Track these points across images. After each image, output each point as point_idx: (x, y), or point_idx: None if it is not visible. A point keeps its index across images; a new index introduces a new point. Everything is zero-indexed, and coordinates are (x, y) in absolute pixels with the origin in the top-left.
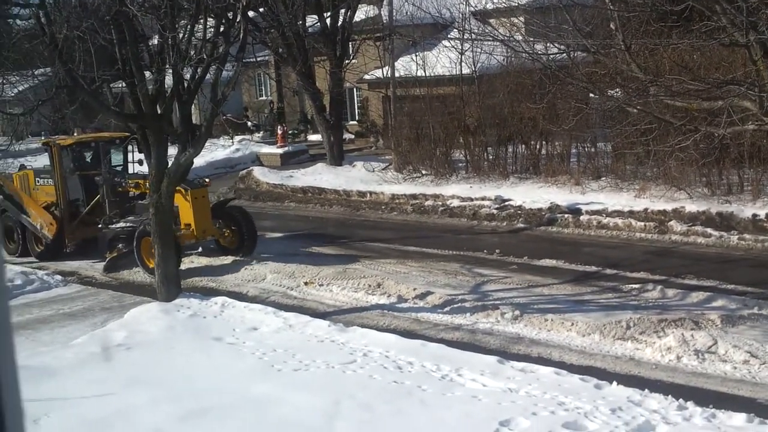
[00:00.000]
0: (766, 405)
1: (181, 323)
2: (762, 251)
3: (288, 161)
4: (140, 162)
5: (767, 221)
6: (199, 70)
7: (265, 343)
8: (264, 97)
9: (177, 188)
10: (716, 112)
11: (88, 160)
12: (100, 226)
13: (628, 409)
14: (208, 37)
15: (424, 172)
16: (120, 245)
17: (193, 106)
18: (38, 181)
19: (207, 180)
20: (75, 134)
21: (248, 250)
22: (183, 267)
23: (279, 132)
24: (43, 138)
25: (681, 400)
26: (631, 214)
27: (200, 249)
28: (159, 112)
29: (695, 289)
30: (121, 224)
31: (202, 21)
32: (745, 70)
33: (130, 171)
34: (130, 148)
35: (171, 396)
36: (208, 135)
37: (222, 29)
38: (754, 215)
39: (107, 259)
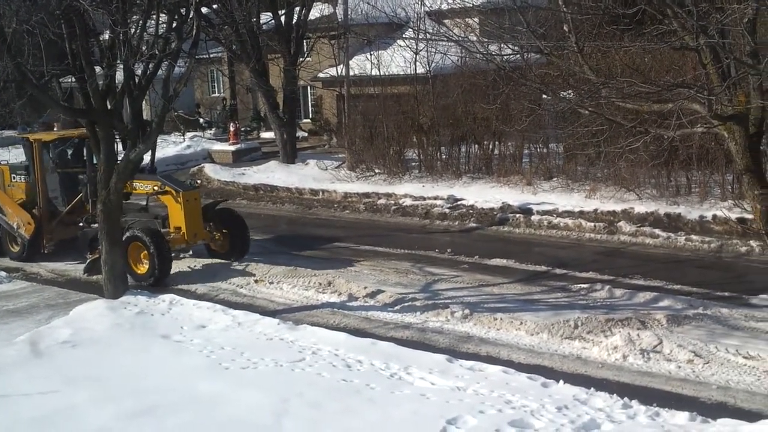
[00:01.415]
0: (708, 404)
1: (128, 321)
2: (708, 252)
3: (240, 158)
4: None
5: (714, 223)
6: (150, 65)
7: (213, 341)
8: (217, 94)
9: (168, 190)
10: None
11: (69, 156)
12: (81, 225)
13: (574, 407)
14: (160, 33)
15: (377, 170)
16: (101, 246)
17: (144, 102)
18: (14, 178)
19: (198, 182)
20: (55, 129)
21: (240, 255)
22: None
23: (231, 129)
24: (18, 132)
25: (626, 398)
26: (582, 214)
27: (191, 252)
28: (109, 107)
29: (642, 289)
30: None
31: (154, 16)
32: (695, 73)
33: None
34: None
35: (116, 394)
36: (159, 131)
37: (174, 25)
38: (701, 217)
39: (88, 261)
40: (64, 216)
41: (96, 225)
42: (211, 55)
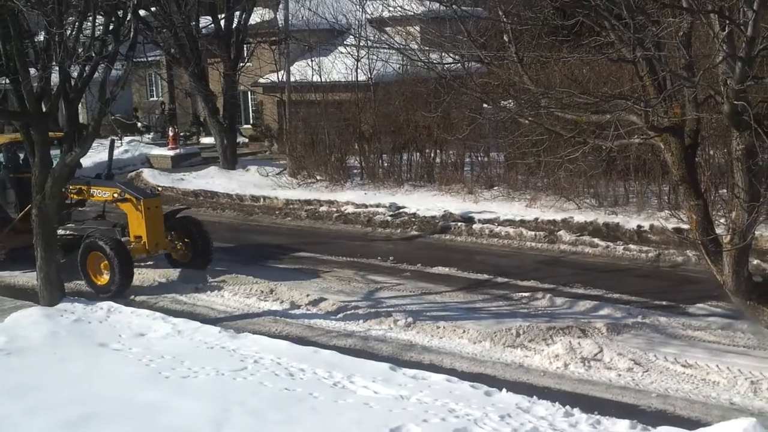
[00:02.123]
0: (648, 412)
1: (65, 328)
2: (646, 262)
3: (179, 164)
4: (78, 165)
5: (651, 233)
6: (87, 68)
7: (152, 350)
8: (155, 98)
9: (128, 197)
10: (604, 125)
11: (21, 161)
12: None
13: (517, 415)
14: (96, 35)
15: (318, 177)
16: (58, 255)
17: (80, 105)
18: None
19: (159, 189)
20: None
21: (202, 265)
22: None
23: (170, 134)
24: None
25: (567, 406)
26: (522, 223)
27: (152, 262)
28: (44, 110)
29: (582, 298)
30: (60, 232)
31: (90, 18)
32: (632, 85)
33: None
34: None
35: (52, 403)
36: (95, 135)
37: (111, 27)
38: (639, 226)
39: None
40: (16, 223)
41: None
42: (150, 59)
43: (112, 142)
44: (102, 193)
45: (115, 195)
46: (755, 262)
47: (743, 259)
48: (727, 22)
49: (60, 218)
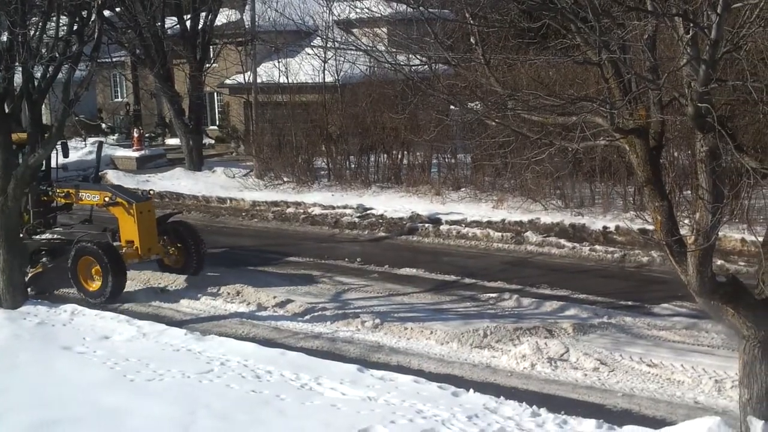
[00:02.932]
0: (614, 411)
1: (28, 331)
2: (611, 262)
3: (144, 165)
4: (64, 168)
5: (617, 234)
6: (50, 69)
7: (117, 353)
8: (120, 99)
9: (119, 201)
10: (570, 127)
11: None
12: (21, 236)
13: (484, 416)
14: (60, 35)
15: (285, 179)
16: (44, 260)
17: (43, 106)
18: None
19: (151, 191)
20: None
21: (196, 270)
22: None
23: (135, 135)
24: None
25: (534, 407)
26: (490, 224)
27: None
28: (7, 111)
29: (549, 299)
30: (47, 236)
31: (54, 18)
32: (598, 87)
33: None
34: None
35: (16, 407)
36: (59, 136)
37: (75, 27)
38: (605, 227)
39: (29, 275)
40: None
41: (37, 237)
42: (114, 59)
43: (100, 144)
44: (91, 197)
45: (106, 198)
46: (719, 262)
47: (707, 259)
48: (691, 25)
49: (46, 222)
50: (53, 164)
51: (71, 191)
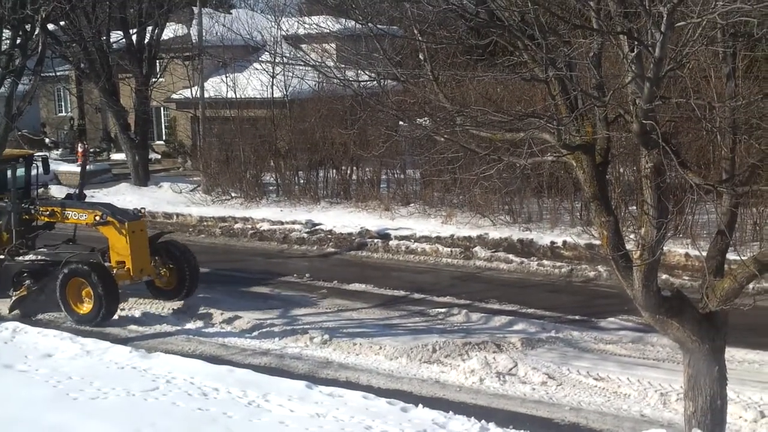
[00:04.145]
0: (562, 425)
1: None
2: (559, 277)
3: (89, 180)
4: (45, 185)
5: (564, 248)
6: None
7: (60, 371)
8: (64, 113)
9: (110, 220)
10: (518, 143)
11: None
12: (2, 257)
13: (433, 431)
14: (3, 49)
15: (233, 194)
16: (28, 282)
17: None
18: None
19: (142, 209)
20: None
21: (188, 293)
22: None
23: (79, 150)
24: None
25: (483, 421)
26: (438, 239)
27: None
28: None
29: (498, 313)
30: (31, 257)
31: None
32: (545, 104)
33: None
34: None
35: None
36: (1, 151)
37: (19, 41)
38: (552, 242)
39: (13, 299)
40: None
41: (20, 258)
42: (58, 73)
43: (85, 160)
44: (79, 216)
45: (97, 217)
46: (664, 276)
47: (652, 274)
48: (636, 43)
49: (28, 243)
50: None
51: (56, 209)
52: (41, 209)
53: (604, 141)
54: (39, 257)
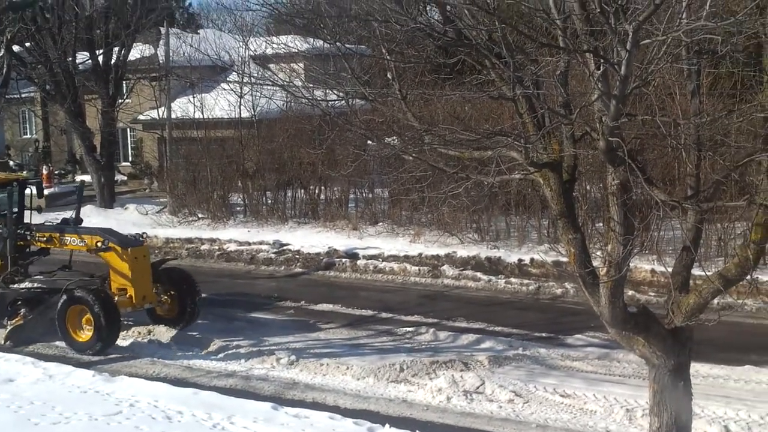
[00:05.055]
0: None
1: None
2: (527, 294)
3: (54, 203)
4: (39, 209)
5: (532, 266)
6: None
7: (21, 396)
8: (29, 135)
9: (111, 245)
10: (486, 161)
11: None
12: None
13: None
14: None
15: (200, 215)
16: (23, 310)
17: None
18: None
19: (144, 234)
20: None
21: (189, 320)
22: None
23: (44, 172)
24: None
25: None
26: (407, 258)
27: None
28: None
29: (465, 332)
30: (26, 284)
31: None
32: (512, 122)
33: (25, 220)
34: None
35: None
36: None
37: None
38: (520, 260)
39: (9, 328)
40: None
41: (15, 286)
42: (23, 95)
43: (82, 184)
44: (78, 242)
45: (98, 243)
46: (630, 293)
47: (619, 290)
48: (602, 61)
49: (22, 270)
50: (27, 205)
51: (54, 235)
52: (38, 235)
53: (571, 158)
54: (35, 284)
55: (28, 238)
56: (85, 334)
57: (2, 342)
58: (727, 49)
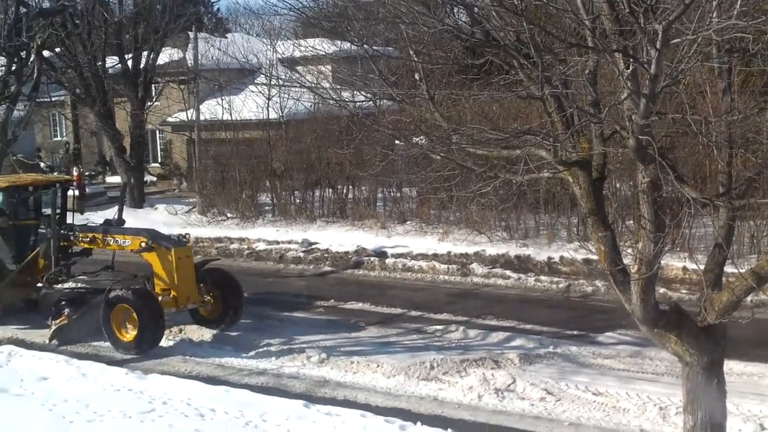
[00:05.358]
0: None
1: None
2: (557, 292)
3: (85, 203)
4: (81, 210)
5: (561, 264)
6: None
7: (55, 394)
8: (59, 138)
9: (155, 245)
10: (514, 160)
11: (22, 206)
12: (39, 285)
13: None
14: None
15: (229, 215)
16: (67, 310)
17: None
18: None
19: (187, 235)
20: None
21: (232, 321)
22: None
23: (75, 173)
24: None
25: None
26: (435, 257)
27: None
28: None
29: (495, 330)
30: (70, 284)
31: None
32: (541, 121)
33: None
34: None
35: None
36: None
37: (14, 68)
38: (549, 258)
39: (53, 328)
40: (15, 276)
41: (58, 286)
42: (54, 99)
43: (125, 186)
44: (123, 242)
45: (142, 244)
46: (661, 290)
47: (650, 288)
48: (631, 60)
49: (66, 270)
50: (69, 205)
51: (97, 236)
52: (81, 235)
53: (601, 157)
54: (79, 285)
55: (71, 238)
56: (130, 334)
57: (47, 342)
58: (759, 47)
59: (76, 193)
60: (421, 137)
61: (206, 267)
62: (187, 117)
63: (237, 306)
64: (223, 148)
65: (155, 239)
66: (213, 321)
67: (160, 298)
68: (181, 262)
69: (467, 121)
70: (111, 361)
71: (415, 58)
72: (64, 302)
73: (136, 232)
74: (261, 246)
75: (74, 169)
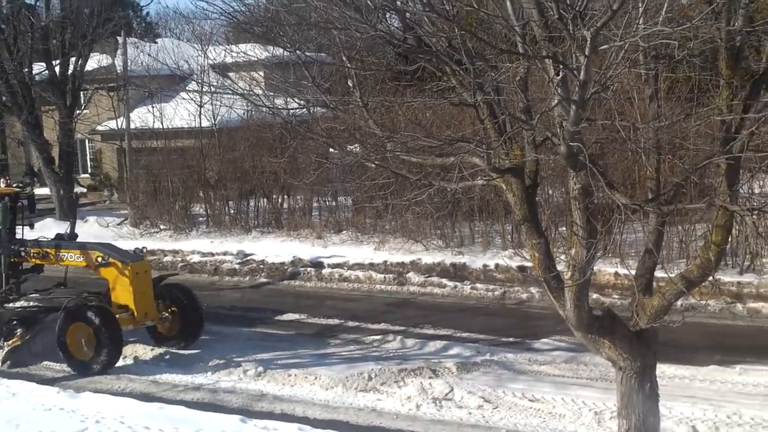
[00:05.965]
0: None
1: None
2: (492, 300)
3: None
4: (30, 225)
5: (497, 271)
6: None
7: None
8: None
9: (112, 260)
10: (448, 167)
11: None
12: None
13: None
14: None
15: (162, 226)
16: (19, 330)
17: None
18: None
19: (144, 249)
20: None
21: (192, 338)
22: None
23: (1, 185)
24: None
25: None
26: (372, 266)
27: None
28: None
29: (433, 339)
30: (22, 303)
31: None
32: (474, 128)
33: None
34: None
35: None
36: None
37: None
38: (485, 265)
39: (6, 349)
40: None
41: (9, 305)
42: None
43: (77, 196)
44: (76, 257)
45: (99, 259)
46: (595, 296)
47: (583, 294)
48: (561, 67)
49: (16, 288)
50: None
51: (50, 251)
52: (32, 251)
53: (533, 164)
54: (31, 303)
55: (22, 254)
56: (86, 354)
57: (1, 364)
58: (684, 53)
59: (25, 203)
60: (356, 145)
61: (164, 282)
62: (117, 125)
63: (197, 322)
64: (155, 157)
65: (112, 254)
66: (171, 338)
67: (117, 315)
68: (139, 277)
69: (401, 128)
70: (42, 380)
71: (348, 64)
72: (15, 322)
73: (91, 246)
74: (195, 258)
75: (1, 180)
